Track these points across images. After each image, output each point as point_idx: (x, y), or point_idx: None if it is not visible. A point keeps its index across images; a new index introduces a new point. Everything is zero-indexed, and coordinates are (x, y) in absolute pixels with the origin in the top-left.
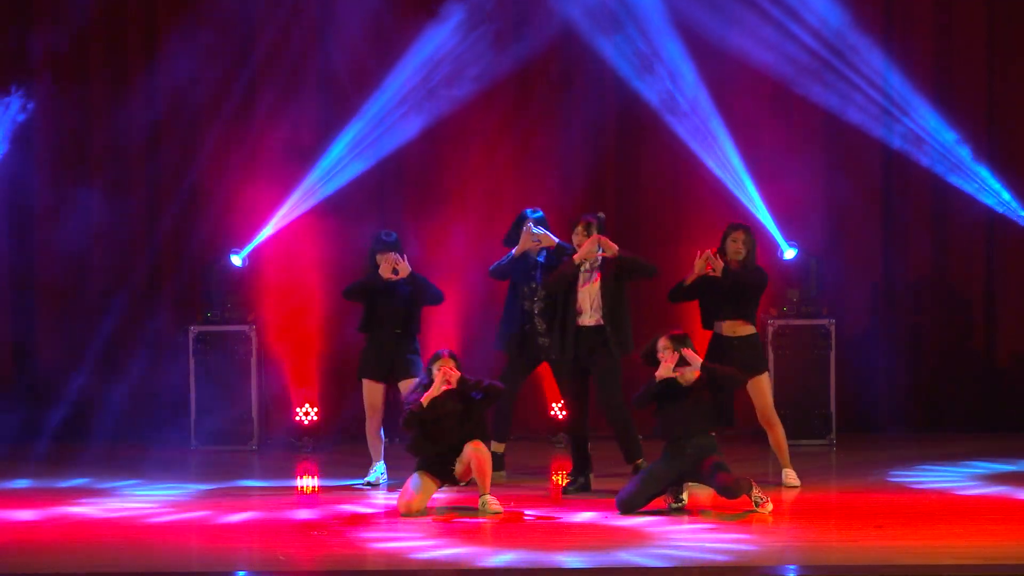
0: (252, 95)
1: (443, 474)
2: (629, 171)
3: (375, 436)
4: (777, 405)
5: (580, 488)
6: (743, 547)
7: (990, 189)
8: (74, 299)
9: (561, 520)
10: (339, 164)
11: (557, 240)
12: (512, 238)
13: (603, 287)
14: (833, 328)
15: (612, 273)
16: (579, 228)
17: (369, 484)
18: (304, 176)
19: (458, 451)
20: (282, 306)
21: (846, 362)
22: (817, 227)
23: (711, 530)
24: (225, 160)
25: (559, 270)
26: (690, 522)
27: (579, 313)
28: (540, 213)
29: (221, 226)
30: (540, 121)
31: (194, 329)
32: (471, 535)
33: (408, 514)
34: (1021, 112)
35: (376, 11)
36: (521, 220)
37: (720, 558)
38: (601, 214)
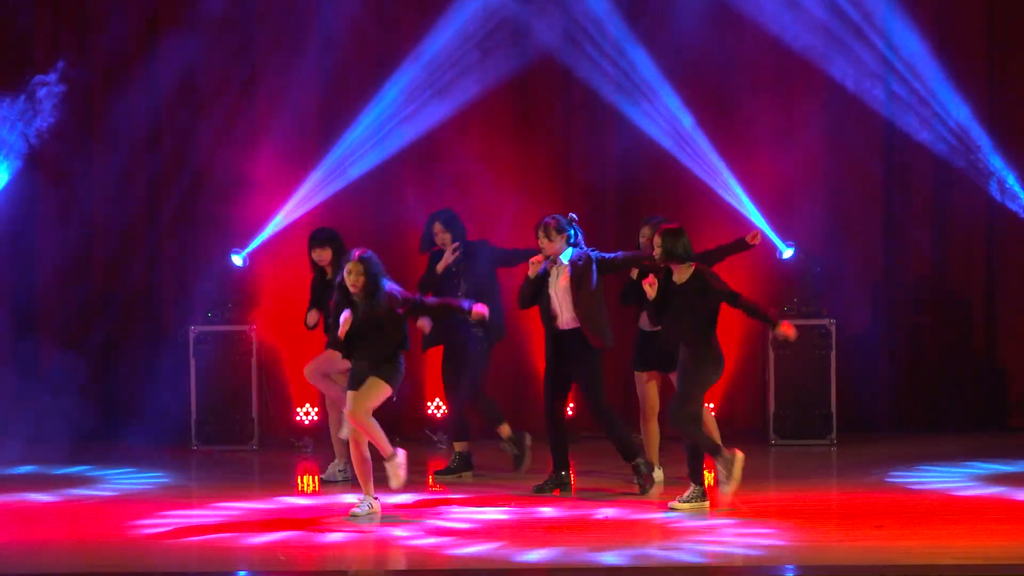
0: (252, 94)
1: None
2: (628, 174)
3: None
4: (777, 405)
5: (556, 485)
6: (745, 543)
7: (995, 172)
8: (75, 299)
9: (576, 517)
10: (339, 167)
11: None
12: (427, 242)
13: (574, 289)
14: (833, 328)
15: (578, 274)
16: (540, 232)
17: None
18: (305, 177)
19: (372, 364)
20: (283, 306)
21: (846, 362)
22: (817, 227)
23: (713, 528)
24: (225, 159)
25: (523, 287)
26: (693, 521)
27: (554, 317)
28: (449, 213)
29: (221, 226)
30: (539, 119)
31: (194, 329)
32: (494, 532)
33: (357, 431)
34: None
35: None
36: (431, 222)
37: (735, 551)
38: (572, 215)
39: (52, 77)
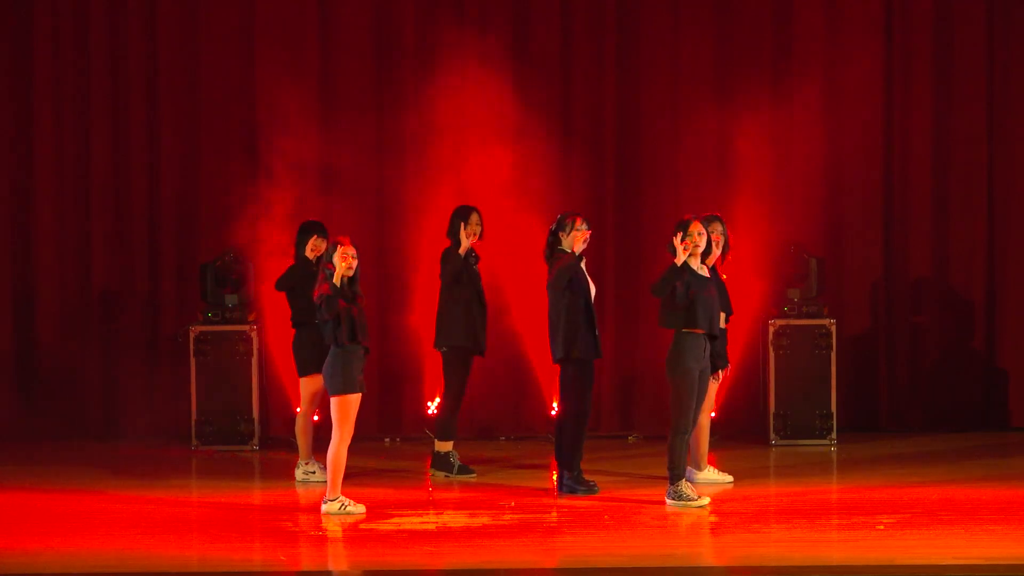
0: (252, 90)
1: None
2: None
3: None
4: (777, 405)
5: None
6: (745, 543)
7: None
8: (75, 299)
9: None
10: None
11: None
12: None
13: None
14: (833, 328)
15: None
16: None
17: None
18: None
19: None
20: (282, 306)
21: (846, 362)
22: (817, 226)
23: (712, 528)
24: (226, 157)
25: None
26: (692, 521)
27: None
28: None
29: (222, 225)
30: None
31: (194, 329)
32: (494, 532)
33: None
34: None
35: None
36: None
37: (736, 551)
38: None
39: None
